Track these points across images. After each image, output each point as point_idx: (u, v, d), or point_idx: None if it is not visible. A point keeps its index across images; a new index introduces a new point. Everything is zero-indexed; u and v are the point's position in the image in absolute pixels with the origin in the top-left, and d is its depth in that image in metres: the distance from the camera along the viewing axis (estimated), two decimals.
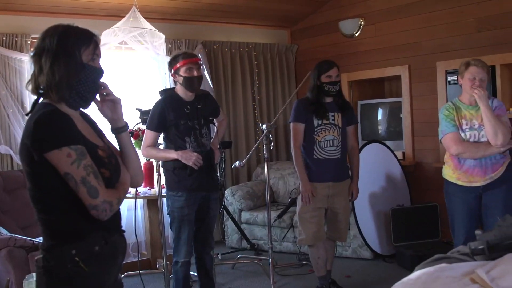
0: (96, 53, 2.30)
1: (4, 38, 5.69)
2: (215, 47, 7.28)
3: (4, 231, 4.97)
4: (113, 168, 2.30)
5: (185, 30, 7.09)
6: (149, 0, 6.15)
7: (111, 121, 2.42)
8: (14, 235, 4.84)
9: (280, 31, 8.14)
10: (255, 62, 7.69)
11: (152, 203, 5.98)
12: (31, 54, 2.24)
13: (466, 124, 4.30)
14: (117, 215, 2.37)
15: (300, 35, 8.05)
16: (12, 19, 5.83)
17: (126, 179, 2.38)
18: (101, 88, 2.34)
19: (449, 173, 4.43)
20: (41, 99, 2.26)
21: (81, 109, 2.36)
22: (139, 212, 6.42)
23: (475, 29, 6.01)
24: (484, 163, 4.27)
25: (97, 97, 2.37)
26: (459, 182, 4.36)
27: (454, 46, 6.18)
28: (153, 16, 6.41)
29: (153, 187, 5.83)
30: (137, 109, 5.04)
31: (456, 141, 4.26)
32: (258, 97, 7.70)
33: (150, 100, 4.55)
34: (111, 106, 2.39)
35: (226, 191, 6.88)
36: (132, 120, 5.11)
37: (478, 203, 4.37)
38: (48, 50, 2.19)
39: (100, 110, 2.40)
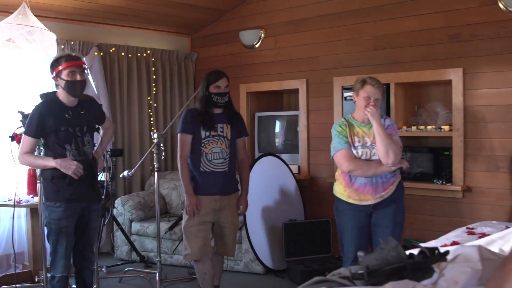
0: None
1: None
2: (111, 50, 7.01)
3: None
4: None
5: (80, 31, 6.78)
6: None
7: None
8: None
9: (181, 38, 7.96)
10: (153, 69, 7.46)
11: (35, 212, 5.61)
12: None
13: (359, 142, 4.28)
14: None
15: (201, 43, 7.91)
16: None
17: None
18: None
19: (340, 190, 4.39)
20: None
21: None
22: (23, 220, 6.06)
23: (372, 47, 6.06)
24: (375, 182, 4.26)
25: None
26: (350, 200, 4.33)
27: (351, 63, 6.21)
28: (46, 14, 6.12)
29: (37, 195, 5.50)
30: (19, 112, 4.73)
31: (348, 158, 4.22)
32: (155, 105, 7.48)
33: (36, 103, 4.31)
34: None
35: (116, 201, 6.60)
36: (14, 124, 4.82)
37: (368, 221, 4.37)
38: None
39: None
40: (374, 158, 4.24)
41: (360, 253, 2.58)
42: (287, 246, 5.93)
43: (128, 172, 5.02)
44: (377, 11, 6.02)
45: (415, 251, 2.66)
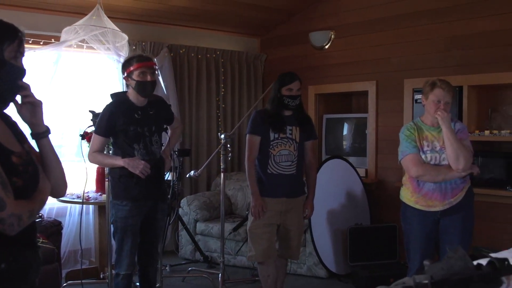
0: (20, 51, 2.10)
1: None
2: (181, 51, 7.08)
3: None
4: (29, 177, 2.09)
5: (151, 32, 6.88)
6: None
7: (30, 125, 2.21)
8: None
9: (250, 39, 7.98)
10: (222, 69, 7.51)
11: (102, 209, 5.74)
12: None
13: (428, 146, 4.15)
14: (31, 228, 2.15)
15: (270, 44, 7.90)
16: None
17: (45, 189, 2.16)
18: (22, 89, 2.13)
19: (407, 195, 4.28)
20: None
21: None
22: (91, 217, 6.20)
23: (445, 48, 5.91)
24: (444, 188, 4.13)
25: (18, 98, 2.16)
26: (417, 206, 4.21)
27: (423, 64, 6.08)
28: (118, 16, 6.23)
29: (105, 193, 5.62)
30: (90, 111, 4.83)
31: (416, 163, 4.11)
32: (223, 105, 7.52)
33: (107, 102, 4.40)
34: (30, 109, 2.18)
35: (182, 201, 6.66)
36: (85, 122, 4.93)
37: (436, 228, 4.24)
38: None
39: (19, 112, 2.19)
40: (443, 163, 4.11)
41: (426, 262, 2.50)
42: (352, 250, 5.84)
43: (195, 172, 5.05)
44: (451, 11, 5.86)
45: (484, 261, 2.55)
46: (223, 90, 7.52)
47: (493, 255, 2.95)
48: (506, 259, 2.49)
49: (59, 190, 2.30)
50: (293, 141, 4.59)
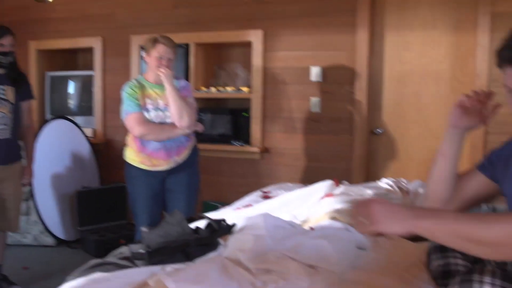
0: None
1: None
2: None
3: None
4: None
5: None
6: None
7: None
8: None
9: None
10: None
11: None
12: None
13: (151, 104, 4.04)
14: None
15: None
16: None
17: None
18: None
19: (132, 156, 4.15)
20: None
21: None
22: None
23: (172, 4, 5.83)
24: (169, 146, 4.07)
25: None
26: (143, 166, 4.10)
27: (150, 21, 5.94)
28: None
29: None
30: None
31: (140, 122, 3.97)
32: None
33: None
34: None
35: None
36: None
37: (162, 187, 4.21)
38: None
39: None
40: (168, 121, 4.03)
41: (143, 229, 2.39)
42: (80, 214, 5.59)
43: None
44: None
45: (204, 223, 2.51)
46: None
47: (212, 215, 2.93)
48: (223, 220, 2.47)
49: None
50: (7, 102, 4.16)
